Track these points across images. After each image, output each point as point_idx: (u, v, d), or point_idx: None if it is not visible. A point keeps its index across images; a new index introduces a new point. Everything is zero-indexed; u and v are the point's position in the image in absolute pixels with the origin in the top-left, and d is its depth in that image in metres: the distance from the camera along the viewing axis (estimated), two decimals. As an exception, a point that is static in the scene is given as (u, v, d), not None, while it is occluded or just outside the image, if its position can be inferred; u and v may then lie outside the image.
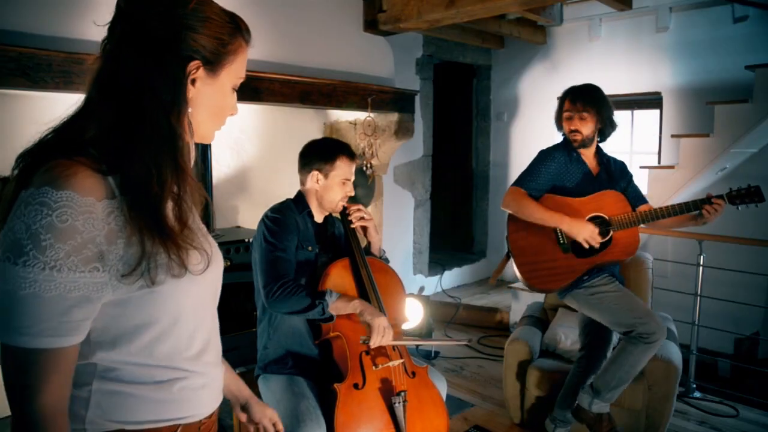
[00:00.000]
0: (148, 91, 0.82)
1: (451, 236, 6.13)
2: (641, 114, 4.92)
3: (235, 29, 0.93)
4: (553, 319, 3.13)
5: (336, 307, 1.87)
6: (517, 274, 2.47)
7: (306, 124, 4.07)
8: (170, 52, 0.84)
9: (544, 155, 2.45)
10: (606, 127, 2.44)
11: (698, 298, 3.34)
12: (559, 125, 2.50)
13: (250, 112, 3.84)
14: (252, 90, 3.01)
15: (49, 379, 0.76)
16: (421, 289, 4.11)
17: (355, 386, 1.83)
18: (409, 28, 3.72)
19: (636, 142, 5.02)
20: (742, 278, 3.76)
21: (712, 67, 4.26)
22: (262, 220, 2.01)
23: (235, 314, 3.34)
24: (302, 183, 2.10)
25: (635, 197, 2.46)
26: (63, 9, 2.44)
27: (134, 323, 0.84)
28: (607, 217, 2.34)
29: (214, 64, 0.89)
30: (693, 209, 2.24)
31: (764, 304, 4.04)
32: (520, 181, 2.41)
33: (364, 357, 1.89)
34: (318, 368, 2.00)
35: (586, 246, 2.29)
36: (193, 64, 0.86)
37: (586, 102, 2.38)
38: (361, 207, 2.13)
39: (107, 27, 0.86)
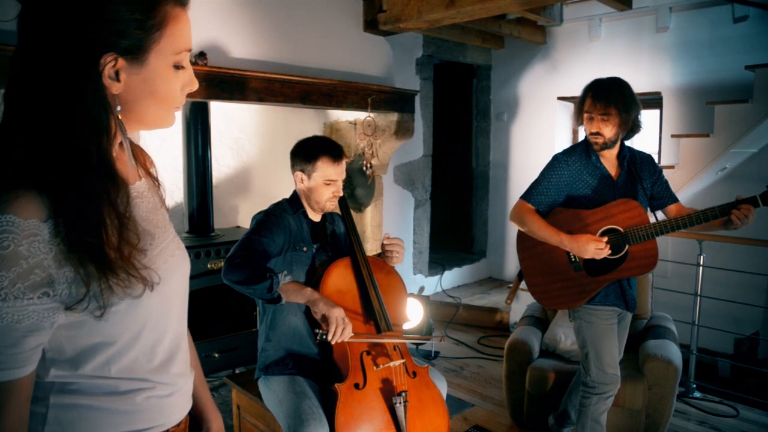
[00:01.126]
0: (55, 108, 0.72)
1: (451, 236, 6.13)
2: (641, 114, 4.91)
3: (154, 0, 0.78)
4: (553, 319, 3.13)
5: (286, 289, 1.82)
6: (529, 289, 2.32)
7: (306, 124, 4.07)
8: (70, 54, 0.72)
9: (554, 162, 2.24)
10: (630, 129, 2.20)
11: (698, 298, 3.34)
12: (580, 124, 2.25)
13: (250, 112, 3.84)
14: (252, 90, 3.01)
15: (5, 410, 0.72)
16: (421, 289, 4.11)
17: (356, 386, 1.83)
18: (409, 28, 3.72)
19: (636, 142, 5.01)
20: (742, 278, 3.76)
21: (712, 67, 4.26)
22: (257, 214, 2.05)
23: (235, 314, 3.34)
24: (294, 182, 2.11)
25: (666, 196, 2.25)
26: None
27: (90, 343, 0.79)
28: (622, 229, 2.10)
29: (134, 51, 0.76)
30: (720, 215, 1.98)
31: (764, 304, 4.03)
32: (528, 194, 2.25)
33: (365, 357, 1.88)
34: (319, 368, 2.00)
35: (599, 258, 2.09)
36: (105, 59, 0.74)
37: (610, 101, 2.10)
38: (399, 243, 2.13)
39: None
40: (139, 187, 0.90)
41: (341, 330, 1.74)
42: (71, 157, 0.73)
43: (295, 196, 2.12)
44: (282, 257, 1.97)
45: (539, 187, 2.23)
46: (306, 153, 2.03)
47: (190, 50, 0.84)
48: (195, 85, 0.86)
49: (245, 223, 3.78)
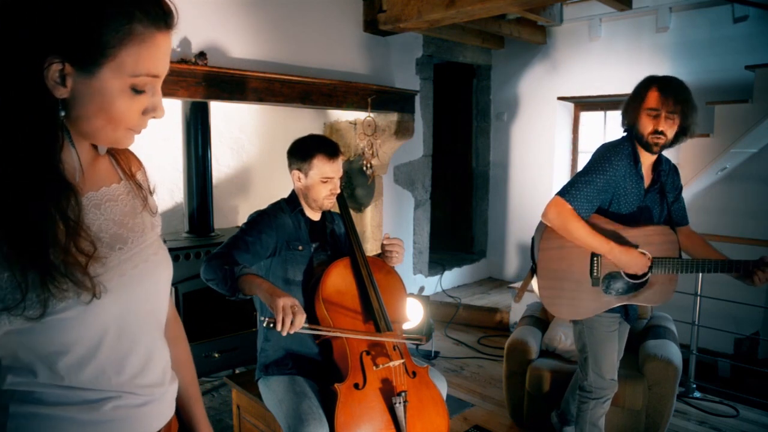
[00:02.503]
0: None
1: (451, 236, 6.13)
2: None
3: (122, 13, 0.71)
4: (553, 319, 3.13)
5: (247, 280, 1.71)
6: (536, 293, 2.18)
7: (306, 124, 4.07)
8: (9, 49, 0.69)
9: (605, 162, 1.99)
10: (682, 135, 2.04)
11: (698, 298, 3.34)
12: (632, 121, 2.03)
13: (250, 112, 3.84)
14: (252, 90, 3.01)
15: None
16: (421, 289, 4.11)
17: (356, 386, 1.83)
18: (409, 28, 3.72)
19: (636, 142, 5.01)
20: (742, 278, 3.75)
21: (712, 67, 4.26)
22: (252, 213, 2.06)
23: (235, 314, 3.34)
24: (292, 182, 2.12)
25: (680, 216, 2.20)
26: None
27: (46, 351, 0.75)
28: (650, 256, 2.01)
29: (84, 60, 0.71)
30: (743, 272, 1.96)
31: (764, 304, 4.03)
32: (572, 194, 1.98)
33: (365, 357, 1.88)
34: (319, 368, 2.00)
35: (639, 272, 2.01)
36: (50, 61, 0.69)
37: (679, 99, 1.95)
38: (399, 244, 2.12)
39: None
40: (114, 189, 0.87)
41: (288, 319, 1.54)
42: (5, 156, 0.69)
43: (293, 195, 2.12)
44: (277, 257, 1.97)
45: (585, 190, 1.98)
46: (302, 151, 2.04)
47: (157, 76, 0.77)
48: (160, 113, 0.80)
49: (245, 223, 3.78)
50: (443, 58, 5.17)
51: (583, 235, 1.97)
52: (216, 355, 3.16)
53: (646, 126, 1.99)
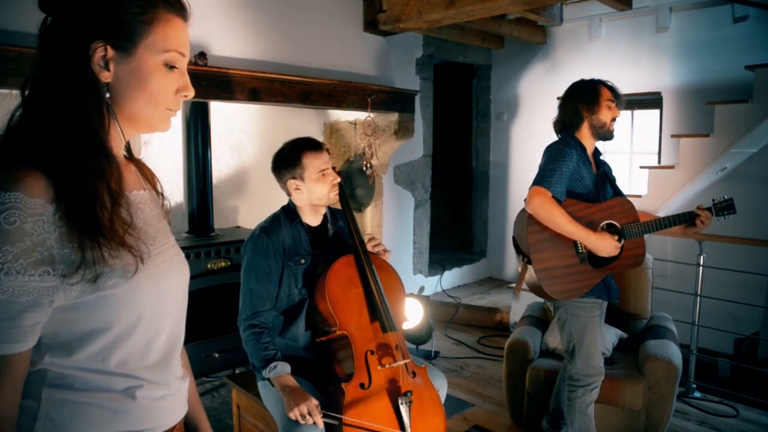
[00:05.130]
0: (52, 90, 0.79)
1: (451, 236, 6.13)
2: (641, 114, 4.92)
3: (147, 1, 0.83)
4: (553, 319, 3.13)
5: (273, 380, 1.84)
6: (535, 278, 2.28)
7: (306, 124, 4.07)
8: (60, 39, 0.79)
9: (562, 153, 2.24)
10: None
11: (698, 298, 3.34)
12: (589, 114, 2.28)
13: (250, 112, 3.84)
14: (252, 90, 3.01)
15: (0, 387, 0.74)
16: (421, 289, 4.11)
17: (361, 386, 1.83)
18: (409, 28, 3.72)
19: (636, 142, 5.02)
20: (742, 278, 3.75)
21: (712, 67, 4.26)
22: (249, 239, 2.01)
23: (235, 314, 3.33)
24: (288, 194, 2.07)
25: (620, 193, 2.44)
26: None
27: (86, 329, 0.80)
28: (618, 225, 2.27)
29: (123, 41, 0.81)
30: (689, 222, 2.31)
31: (764, 304, 4.03)
32: (547, 182, 2.18)
33: (370, 356, 1.89)
34: (316, 369, 2.00)
35: (613, 254, 2.22)
36: (95, 45, 0.79)
37: (617, 92, 2.31)
38: (377, 240, 2.15)
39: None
40: (141, 195, 0.94)
41: (309, 424, 1.70)
42: (63, 133, 0.77)
43: (290, 205, 2.08)
44: (284, 274, 1.99)
45: (555, 174, 2.19)
46: (289, 158, 2.01)
47: (184, 55, 0.87)
48: (190, 92, 0.89)
49: (245, 223, 3.78)
50: (443, 58, 5.17)
51: (563, 222, 2.16)
52: (216, 355, 3.16)
53: (607, 115, 2.27)
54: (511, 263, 5.72)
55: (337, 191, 2.05)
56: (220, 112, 3.67)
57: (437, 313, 4.71)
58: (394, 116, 3.91)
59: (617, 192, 2.40)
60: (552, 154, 2.26)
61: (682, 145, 4.14)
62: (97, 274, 0.78)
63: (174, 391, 0.93)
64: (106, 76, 0.81)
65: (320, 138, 4.16)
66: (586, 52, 4.96)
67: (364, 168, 3.84)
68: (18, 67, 2.22)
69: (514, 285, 4.52)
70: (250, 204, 3.84)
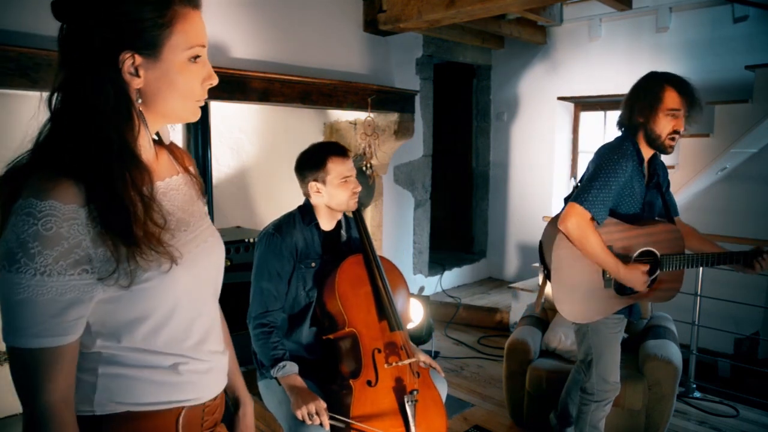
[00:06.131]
0: (82, 103, 0.82)
1: (451, 236, 6.13)
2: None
3: (165, 0, 0.86)
4: (553, 319, 3.13)
5: (281, 379, 1.85)
6: (552, 296, 2.11)
7: (306, 124, 4.07)
8: (91, 53, 0.82)
9: (615, 165, 1.95)
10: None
11: (698, 298, 3.34)
12: (646, 120, 1.99)
13: (250, 111, 3.84)
14: (252, 90, 3.01)
15: (52, 375, 0.80)
16: (421, 289, 4.11)
17: (368, 383, 1.84)
18: (409, 28, 3.72)
19: (636, 142, 5.01)
20: (742, 278, 3.74)
21: (712, 67, 4.26)
22: (263, 236, 2.00)
23: (235, 314, 3.33)
24: (307, 196, 2.06)
25: (673, 207, 2.22)
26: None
27: (129, 317, 0.87)
28: (659, 254, 2.05)
29: (148, 47, 0.84)
30: (743, 262, 1.99)
31: (764, 304, 4.03)
32: (590, 202, 1.93)
33: (377, 354, 1.89)
34: (318, 369, 2.00)
35: (642, 290, 2.05)
36: (124, 56, 0.83)
37: (696, 101, 1.96)
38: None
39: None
40: (175, 180, 1.00)
41: (316, 424, 1.71)
42: (95, 146, 0.81)
43: (307, 206, 2.07)
44: (293, 276, 1.99)
45: (601, 195, 1.94)
46: (313, 160, 2.00)
47: (204, 46, 0.91)
48: (215, 80, 0.94)
49: (245, 223, 3.78)
50: (443, 58, 5.17)
51: (597, 251, 1.95)
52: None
53: (665, 127, 1.96)
54: (511, 263, 5.73)
55: (357, 200, 2.04)
56: (220, 112, 3.67)
57: (437, 313, 4.71)
58: (394, 116, 3.91)
59: (668, 209, 2.15)
60: (604, 164, 1.98)
61: (682, 145, 4.14)
62: (132, 277, 0.83)
63: (215, 365, 1.01)
64: (137, 83, 0.85)
65: (320, 138, 4.16)
66: (586, 52, 4.96)
67: (364, 168, 3.84)
68: (18, 67, 2.22)
69: (514, 285, 4.52)
70: (250, 204, 3.84)
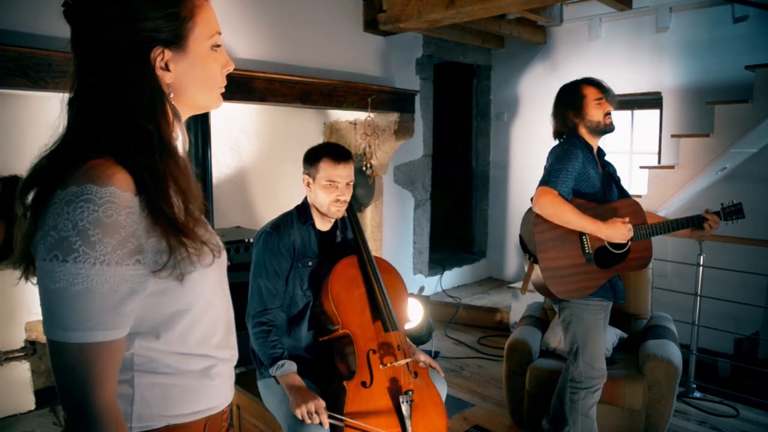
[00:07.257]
0: (117, 101, 0.82)
1: (451, 236, 6.13)
2: (641, 114, 4.92)
3: None
4: (553, 319, 3.13)
5: (280, 378, 1.86)
6: (541, 278, 2.24)
7: (306, 124, 4.07)
8: (123, 53, 0.83)
9: (567, 153, 2.21)
10: None
11: (698, 298, 3.34)
12: (580, 118, 2.28)
13: (250, 112, 3.84)
14: (252, 90, 3.01)
15: (105, 372, 0.77)
16: (421, 289, 4.11)
17: (363, 384, 1.84)
18: (409, 28, 3.72)
19: (636, 142, 5.02)
20: (742, 278, 3.76)
21: (712, 67, 4.26)
22: (261, 235, 2.01)
23: (235, 314, 3.33)
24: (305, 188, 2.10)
25: (625, 192, 2.40)
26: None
27: (170, 311, 0.86)
28: (630, 225, 2.20)
29: (176, 41, 0.86)
30: (697, 225, 2.24)
31: (764, 304, 4.03)
32: (553, 181, 2.17)
33: (372, 355, 1.90)
34: (317, 369, 2.00)
35: (626, 240, 2.18)
36: (154, 52, 0.85)
37: (603, 86, 2.29)
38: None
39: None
40: None
41: (315, 423, 1.70)
42: (137, 141, 0.82)
43: (305, 205, 2.09)
44: (290, 274, 1.99)
45: (561, 174, 2.17)
46: (310, 156, 2.04)
47: (220, 33, 0.93)
48: (231, 65, 0.95)
49: (245, 223, 3.78)
50: (443, 58, 5.17)
51: (572, 217, 2.13)
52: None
53: (598, 113, 2.26)
54: (511, 263, 5.73)
55: (340, 210, 2.03)
56: (220, 111, 3.67)
57: (437, 313, 4.71)
58: (394, 116, 3.91)
59: (623, 193, 2.36)
60: (558, 155, 2.24)
61: (682, 145, 4.14)
62: (183, 269, 0.83)
63: (230, 368, 1.01)
64: (169, 77, 0.87)
65: (320, 138, 4.16)
66: (586, 52, 4.96)
67: (364, 168, 3.84)
68: (18, 66, 2.22)
69: (514, 285, 4.52)
70: (250, 204, 3.83)
